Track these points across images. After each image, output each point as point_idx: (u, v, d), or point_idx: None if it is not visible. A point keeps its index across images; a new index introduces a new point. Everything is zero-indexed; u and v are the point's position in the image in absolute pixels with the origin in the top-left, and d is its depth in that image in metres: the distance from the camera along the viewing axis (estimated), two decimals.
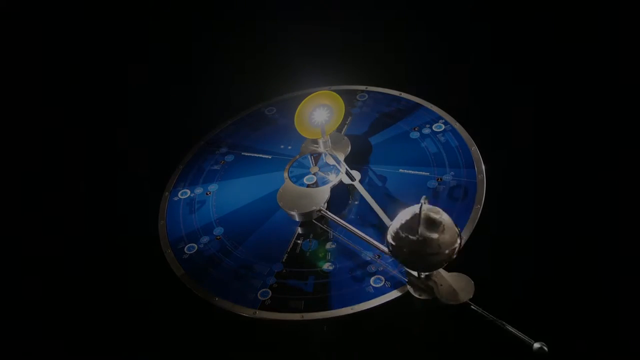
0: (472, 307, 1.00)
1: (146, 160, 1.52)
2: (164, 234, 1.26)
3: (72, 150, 1.58)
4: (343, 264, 1.13)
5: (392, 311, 1.07)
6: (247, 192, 1.31)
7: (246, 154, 1.40)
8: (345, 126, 1.41)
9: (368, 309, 1.06)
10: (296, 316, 1.07)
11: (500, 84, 1.53)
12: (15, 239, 1.39)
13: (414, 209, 0.98)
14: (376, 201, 1.18)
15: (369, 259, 1.13)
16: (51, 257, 1.35)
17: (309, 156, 1.32)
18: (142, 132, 1.59)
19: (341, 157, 1.28)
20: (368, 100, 1.47)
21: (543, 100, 1.47)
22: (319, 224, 1.20)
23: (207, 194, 1.32)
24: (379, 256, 1.13)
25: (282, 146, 1.39)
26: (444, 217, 0.98)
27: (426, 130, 1.35)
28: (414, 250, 0.97)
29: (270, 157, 1.38)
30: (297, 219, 1.22)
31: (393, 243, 1.00)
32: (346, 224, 1.16)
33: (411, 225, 0.97)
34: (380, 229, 1.17)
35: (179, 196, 1.33)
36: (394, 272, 1.10)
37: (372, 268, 1.12)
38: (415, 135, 1.35)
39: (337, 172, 1.27)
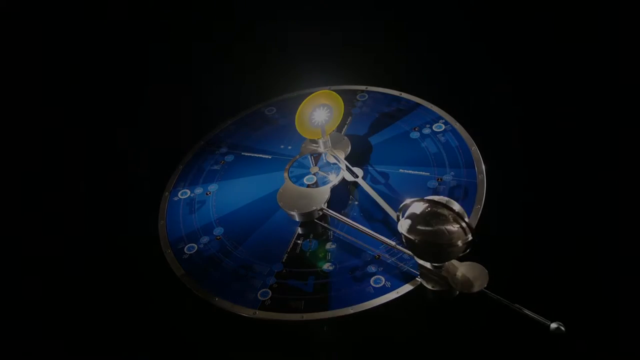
0: (488, 294, 1.00)
1: (146, 160, 1.52)
2: (164, 234, 1.26)
3: (72, 150, 1.58)
4: (343, 264, 1.13)
5: (403, 306, 1.07)
6: (247, 192, 1.31)
7: (246, 154, 1.40)
8: (345, 126, 1.41)
9: (368, 309, 1.06)
10: (296, 316, 1.07)
11: (501, 84, 1.53)
12: (15, 239, 1.39)
13: (427, 200, 0.99)
14: (376, 203, 1.18)
15: (369, 259, 1.13)
16: (51, 257, 1.35)
17: (309, 156, 1.32)
18: (142, 132, 1.59)
19: (341, 157, 1.28)
20: (368, 100, 1.47)
21: (543, 100, 1.47)
22: (320, 223, 1.20)
23: (207, 194, 1.32)
24: (379, 256, 1.13)
25: (282, 146, 1.39)
26: (456, 208, 0.99)
27: (426, 130, 1.35)
28: (429, 241, 0.98)
29: (270, 157, 1.38)
30: (297, 219, 1.22)
31: (407, 235, 1.00)
32: (350, 221, 1.17)
33: (425, 216, 0.99)
34: (385, 224, 1.17)
35: (179, 196, 1.33)
36: (403, 265, 1.10)
37: (372, 268, 1.12)
38: (415, 135, 1.35)
39: (337, 172, 1.27)
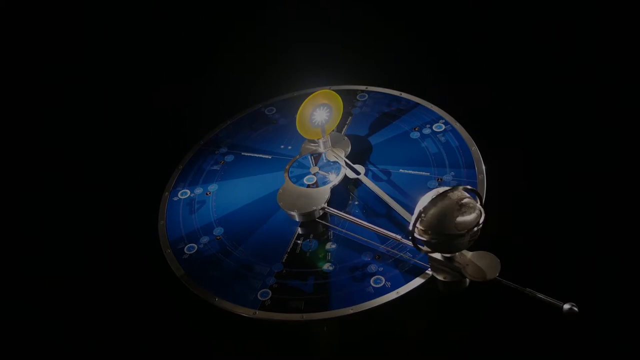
0: (503, 282, 1.00)
1: (146, 160, 1.52)
2: (164, 234, 1.25)
3: (72, 150, 1.58)
4: (343, 264, 1.13)
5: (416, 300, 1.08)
6: (247, 192, 1.31)
7: (246, 154, 1.40)
8: (346, 126, 1.41)
9: (369, 309, 1.06)
10: (296, 316, 1.07)
11: (500, 84, 1.53)
12: (15, 239, 1.39)
13: (437, 192, 1.00)
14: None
15: (369, 259, 1.13)
16: (51, 257, 1.35)
17: (309, 156, 1.32)
18: (142, 132, 1.59)
19: (342, 155, 1.28)
20: (368, 100, 1.47)
21: (544, 100, 1.47)
22: (321, 222, 1.20)
23: (207, 194, 1.32)
24: (379, 256, 1.13)
25: (282, 146, 1.39)
26: (467, 197, 1.00)
27: (426, 130, 1.35)
28: (441, 232, 0.99)
29: (270, 157, 1.38)
30: (297, 219, 1.22)
31: (419, 227, 1.01)
32: (354, 218, 1.17)
33: (437, 207, 0.99)
34: (389, 219, 1.17)
35: (179, 196, 1.33)
36: (412, 257, 1.10)
37: (372, 268, 1.11)
38: (415, 135, 1.35)
39: (338, 172, 1.27)
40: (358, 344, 1.14)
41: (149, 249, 1.24)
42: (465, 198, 0.99)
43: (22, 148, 1.58)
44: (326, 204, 1.21)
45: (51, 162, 1.55)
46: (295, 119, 1.26)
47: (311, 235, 1.19)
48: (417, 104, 1.43)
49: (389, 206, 1.17)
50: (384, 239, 1.15)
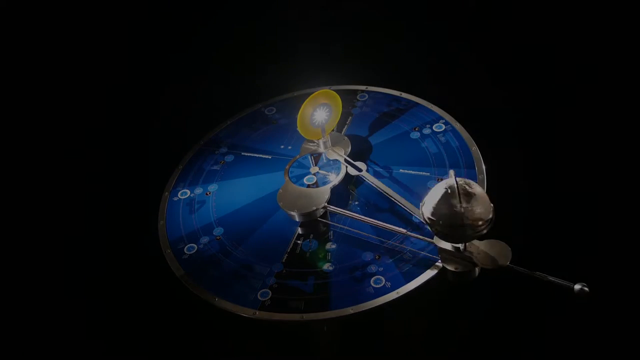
0: (514, 268, 1.01)
1: (146, 160, 1.52)
2: (164, 233, 1.26)
3: (71, 150, 1.58)
4: (343, 264, 1.13)
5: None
6: (247, 192, 1.31)
7: (246, 154, 1.40)
8: (346, 126, 1.41)
9: (369, 309, 1.06)
10: (296, 316, 1.07)
11: (501, 84, 1.53)
12: (15, 239, 1.39)
13: (448, 182, 1.00)
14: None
15: (369, 259, 1.13)
16: (51, 257, 1.35)
17: (309, 156, 1.32)
18: (142, 131, 1.59)
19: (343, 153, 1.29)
20: (368, 100, 1.47)
21: (544, 100, 1.47)
22: (323, 221, 1.20)
23: (206, 194, 1.32)
24: (379, 257, 1.13)
25: (282, 146, 1.39)
26: (477, 188, 1.01)
27: (427, 131, 1.35)
28: (452, 222, 0.99)
29: (270, 157, 1.38)
30: (297, 219, 1.22)
31: (430, 217, 1.01)
32: (358, 215, 1.17)
33: (447, 197, 0.99)
34: (393, 213, 1.17)
35: (179, 196, 1.33)
36: (414, 256, 1.10)
37: (372, 268, 1.11)
38: (415, 135, 1.35)
39: (338, 172, 1.27)
40: (358, 344, 1.14)
41: (149, 249, 1.24)
42: (474, 187, 1.00)
43: (22, 148, 1.58)
44: (326, 203, 1.21)
45: (51, 162, 1.55)
46: (295, 119, 1.26)
47: (311, 235, 1.19)
48: (417, 104, 1.43)
49: (392, 202, 1.18)
50: (385, 237, 1.15)
